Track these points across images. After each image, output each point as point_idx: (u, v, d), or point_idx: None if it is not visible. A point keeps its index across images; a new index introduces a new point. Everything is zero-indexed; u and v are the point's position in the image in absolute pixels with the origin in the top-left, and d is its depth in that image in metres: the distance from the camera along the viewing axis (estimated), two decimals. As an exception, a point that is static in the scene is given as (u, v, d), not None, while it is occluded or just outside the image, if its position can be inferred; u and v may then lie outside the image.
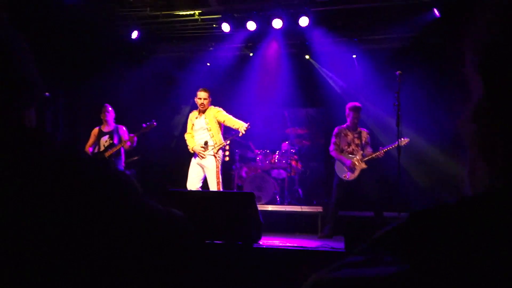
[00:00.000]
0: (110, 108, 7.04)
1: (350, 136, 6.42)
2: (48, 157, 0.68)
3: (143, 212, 0.74)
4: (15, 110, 0.75)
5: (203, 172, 6.20)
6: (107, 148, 6.84)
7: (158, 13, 7.96)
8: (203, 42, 8.79)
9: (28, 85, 0.78)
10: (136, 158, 7.73)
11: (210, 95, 6.33)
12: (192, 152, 6.28)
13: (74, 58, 8.07)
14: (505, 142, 0.52)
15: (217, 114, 6.25)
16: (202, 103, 6.22)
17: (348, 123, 6.44)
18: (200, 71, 8.92)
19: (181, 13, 7.97)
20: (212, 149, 6.10)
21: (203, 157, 6.11)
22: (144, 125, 6.78)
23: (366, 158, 6.22)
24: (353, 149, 6.38)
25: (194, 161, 6.26)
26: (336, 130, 6.51)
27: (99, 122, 7.12)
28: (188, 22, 8.30)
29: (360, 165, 6.23)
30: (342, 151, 6.40)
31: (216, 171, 6.07)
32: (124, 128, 7.03)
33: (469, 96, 0.57)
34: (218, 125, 6.28)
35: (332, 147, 6.45)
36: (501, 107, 0.52)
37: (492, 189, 0.53)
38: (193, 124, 6.35)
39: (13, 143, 0.67)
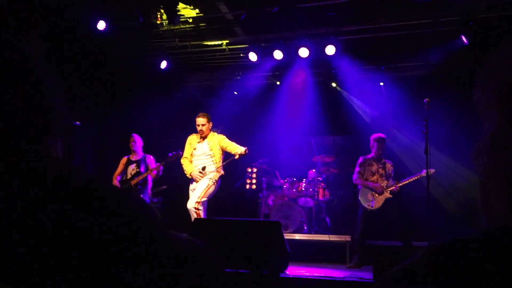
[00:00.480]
0: (137, 138, 7.16)
1: (374, 166, 6.43)
2: (71, 187, 0.70)
3: (162, 242, 0.74)
4: (41, 139, 0.77)
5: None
6: (133, 176, 6.94)
7: (187, 43, 8.15)
8: (230, 71, 8.92)
9: (55, 115, 0.80)
10: (163, 187, 7.79)
11: (210, 120, 6.30)
12: (190, 177, 6.20)
13: (105, 87, 8.30)
14: None
15: (222, 141, 6.20)
16: (201, 130, 6.18)
17: (372, 154, 6.45)
18: (228, 100, 9.03)
19: (209, 43, 8.15)
20: (213, 175, 6.04)
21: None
22: (170, 154, 6.85)
23: (389, 189, 6.26)
24: (377, 179, 6.37)
25: (191, 187, 6.20)
26: (360, 159, 6.51)
27: (129, 151, 7.25)
28: (216, 52, 8.48)
29: (385, 194, 6.24)
30: (367, 180, 6.39)
31: (207, 185, 5.95)
32: (151, 157, 7.13)
33: (482, 127, 0.56)
34: (221, 152, 6.21)
35: (355, 176, 6.46)
36: None
37: (508, 221, 0.52)
38: (194, 149, 6.27)
39: (38, 172, 0.69)
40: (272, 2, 6.66)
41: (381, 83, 8.26)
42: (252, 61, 8.06)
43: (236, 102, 9.03)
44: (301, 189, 7.98)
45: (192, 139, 6.36)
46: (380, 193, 6.23)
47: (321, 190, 7.90)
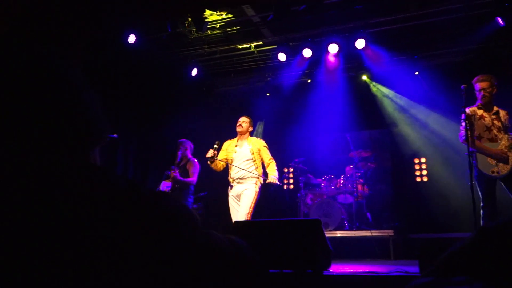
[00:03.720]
0: (180, 144, 7.23)
1: (487, 118, 5.08)
2: (110, 194, 0.71)
3: (204, 242, 0.75)
4: (81, 150, 0.80)
5: (238, 202, 5.96)
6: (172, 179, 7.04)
7: (216, 49, 8.22)
8: (261, 73, 8.94)
9: (93, 127, 0.83)
10: (204, 194, 7.83)
11: (252, 124, 6.29)
12: (217, 169, 6.11)
13: (140, 100, 8.47)
14: None
15: (262, 148, 6.11)
16: (241, 125, 6.16)
17: (479, 100, 5.14)
18: (261, 102, 9.05)
19: (237, 47, 8.20)
20: (256, 182, 5.91)
21: (211, 157, 5.90)
22: (168, 172, 6.96)
23: None
24: (495, 135, 5.03)
25: (230, 193, 6.05)
26: (466, 111, 5.07)
27: (170, 161, 7.36)
28: (245, 55, 8.52)
29: (511, 154, 4.88)
30: (479, 138, 5.07)
31: (254, 197, 5.83)
32: (195, 161, 7.07)
33: None
34: (260, 157, 6.10)
35: (463, 134, 4.96)
36: None
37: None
38: (234, 152, 6.11)
39: (77, 181, 0.71)
40: (299, 1, 6.64)
41: (416, 73, 8.09)
42: (282, 61, 8.06)
43: (269, 104, 9.03)
44: (340, 186, 7.90)
45: (229, 145, 6.25)
46: (504, 161, 4.84)
47: (359, 186, 7.80)
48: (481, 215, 4.91)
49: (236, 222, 4.89)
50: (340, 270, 4.53)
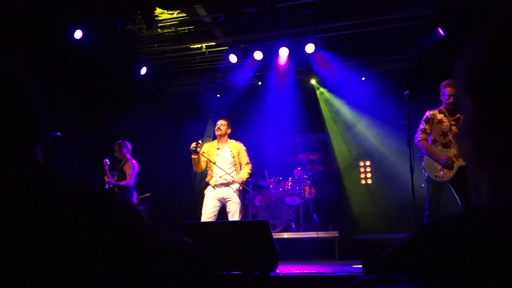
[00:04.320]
0: (117, 146, 7.06)
1: (446, 123, 5.11)
2: (53, 192, 0.70)
3: (152, 241, 0.74)
4: (23, 148, 0.77)
5: (219, 205, 6.02)
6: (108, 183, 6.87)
7: (166, 48, 8.11)
8: (211, 74, 8.91)
9: (35, 124, 0.80)
10: (147, 194, 7.68)
11: (230, 127, 6.30)
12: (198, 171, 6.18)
13: (86, 97, 8.22)
14: (500, 155, 0.53)
15: (243, 152, 6.19)
16: (219, 128, 6.17)
17: (443, 105, 5.15)
18: (211, 103, 9.01)
19: (188, 47, 8.13)
20: (237, 187, 6.01)
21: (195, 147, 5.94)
22: (132, 161, 6.85)
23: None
24: (449, 141, 5.08)
25: (211, 194, 6.05)
26: (427, 114, 5.18)
27: (114, 159, 7.18)
28: (196, 55, 8.46)
29: (458, 162, 4.92)
30: (434, 142, 5.14)
31: (241, 205, 6.01)
32: (132, 162, 6.95)
33: (463, 114, 0.58)
34: (239, 162, 6.16)
35: (418, 136, 5.13)
36: (492, 123, 0.53)
37: (493, 202, 0.54)
38: (216, 155, 6.11)
39: (19, 179, 0.69)
40: (251, 3, 6.68)
41: (363, 78, 8.34)
42: (233, 63, 8.07)
43: (220, 105, 9.01)
44: (288, 187, 8.01)
45: (210, 147, 6.21)
46: (449, 167, 4.95)
47: (307, 188, 7.94)
48: (425, 215, 5.09)
49: (185, 224, 4.85)
50: (286, 271, 4.58)
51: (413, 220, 4.99)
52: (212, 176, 6.06)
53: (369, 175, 8.53)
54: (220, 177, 5.99)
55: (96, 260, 0.67)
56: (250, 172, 6.17)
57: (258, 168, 8.62)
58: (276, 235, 6.61)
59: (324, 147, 9.03)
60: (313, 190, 8.08)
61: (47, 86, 6.89)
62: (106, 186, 6.97)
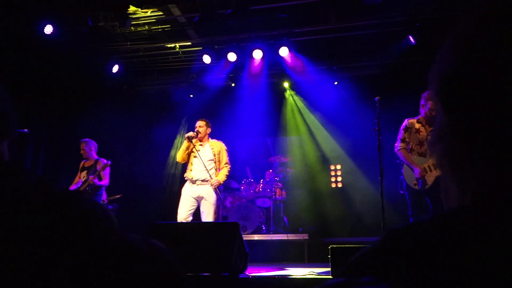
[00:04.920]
0: (86, 144, 6.94)
1: (423, 132, 5.15)
2: (18, 190, 0.68)
3: (120, 244, 0.73)
4: None
5: (196, 204, 6.03)
6: (83, 183, 6.75)
7: (139, 46, 8.02)
8: (185, 74, 8.86)
9: (1, 120, 0.78)
10: (118, 196, 7.56)
11: (209, 126, 6.31)
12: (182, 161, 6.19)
13: (55, 94, 8.04)
14: (469, 160, 0.54)
15: (223, 152, 6.27)
16: (198, 131, 6.17)
17: (422, 114, 5.20)
18: (184, 103, 8.95)
19: (162, 46, 8.05)
20: (214, 189, 6.03)
21: (191, 137, 6.01)
22: (98, 168, 6.75)
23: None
24: (425, 150, 5.14)
25: (188, 192, 6.05)
26: (405, 122, 5.24)
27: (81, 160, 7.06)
28: (170, 55, 8.39)
29: (434, 172, 4.97)
30: (411, 151, 5.18)
31: (215, 206, 6.03)
32: (104, 162, 6.85)
33: (435, 120, 0.60)
34: (219, 161, 6.24)
35: (398, 145, 5.20)
36: (460, 129, 0.54)
37: (461, 206, 0.55)
38: (198, 150, 6.11)
39: None
40: (225, 5, 6.67)
41: (336, 83, 8.44)
42: (206, 64, 8.04)
43: (193, 105, 8.97)
44: (259, 189, 8.02)
45: (194, 142, 6.22)
46: (422, 177, 4.99)
47: (278, 190, 7.97)
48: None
49: (154, 224, 4.79)
50: (256, 273, 4.59)
51: (382, 224, 5.06)
52: (191, 170, 6.07)
53: (339, 178, 8.63)
54: (198, 173, 6.02)
55: (62, 261, 0.65)
56: (227, 174, 6.21)
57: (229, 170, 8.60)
58: (247, 237, 6.61)
59: (296, 150, 9.09)
60: (284, 193, 8.12)
61: (15, 82, 6.71)
62: (75, 186, 6.84)
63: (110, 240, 0.72)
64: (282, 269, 5.43)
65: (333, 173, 8.68)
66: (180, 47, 8.17)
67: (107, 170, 6.81)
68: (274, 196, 7.85)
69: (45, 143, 8.02)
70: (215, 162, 6.14)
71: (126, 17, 6.92)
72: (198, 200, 6.03)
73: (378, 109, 5.36)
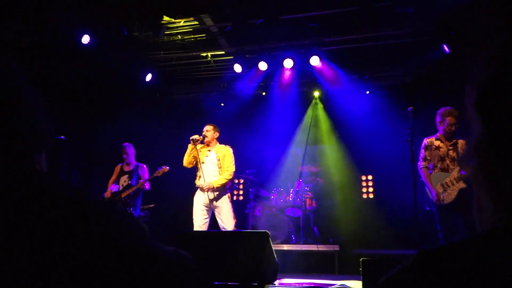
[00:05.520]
0: (128, 148, 7.10)
1: (443, 148, 5.28)
2: (54, 200, 0.69)
3: (148, 253, 0.74)
4: (26, 155, 0.77)
5: (209, 212, 6.01)
6: (124, 189, 6.88)
7: (172, 55, 8.15)
8: (216, 83, 8.94)
9: (38, 131, 0.80)
10: (152, 205, 7.63)
11: (217, 130, 6.26)
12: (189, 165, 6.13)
13: (91, 102, 8.24)
14: (506, 177, 0.52)
15: (227, 156, 6.14)
16: (205, 135, 6.13)
17: (440, 131, 5.33)
18: (215, 111, 9.02)
19: (194, 55, 8.16)
20: (203, 186, 5.92)
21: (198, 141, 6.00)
22: (158, 168, 6.82)
23: (465, 176, 4.93)
24: (447, 165, 5.24)
25: (199, 201, 6.02)
26: (424, 142, 5.40)
27: (120, 160, 7.21)
28: (201, 63, 8.50)
29: (457, 185, 5.06)
30: (433, 167, 5.33)
31: (231, 211, 6.00)
32: (144, 167, 7.00)
33: (471, 133, 0.58)
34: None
35: (420, 164, 5.35)
36: (499, 144, 0.52)
37: (497, 226, 0.53)
38: (205, 155, 6.14)
39: (23, 187, 0.69)
40: (256, 15, 6.71)
41: (367, 92, 8.35)
42: (238, 72, 8.10)
43: (223, 114, 9.03)
44: (289, 199, 7.98)
45: (202, 147, 6.23)
46: (440, 200, 5.09)
47: (308, 200, 7.91)
48: (439, 237, 5.11)
49: (185, 232, 4.83)
50: (285, 283, 4.55)
51: (414, 237, 4.96)
52: (200, 177, 6.06)
53: (371, 189, 8.50)
54: (207, 179, 5.99)
55: (95, 268, 0.66)
56: (228, 178, 6.04)
57: (259, 178, 8.62)
58: (276, 247, 6.58)
59: (326, 159, 9.02)
60: (314, 203, 8.05)
61: (52, 90, 6.91)
62: (114, 187, 6.96)
63: (140, 249, 0.73)
64: (312, 280, 5.37)
65: (364, 184, 8.56)
66: (212, 56, 8.26)
67: (147, 173, 6.95)
68: (304, 206, 7.79)
69: (81, 149, 8.22)
70: (219, 168, 6.07)
71: (159, 27, 7.05)
72: (211, 208, 6.01)
73: (411, 120, 5.27)
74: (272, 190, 8.22)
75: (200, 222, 5.94)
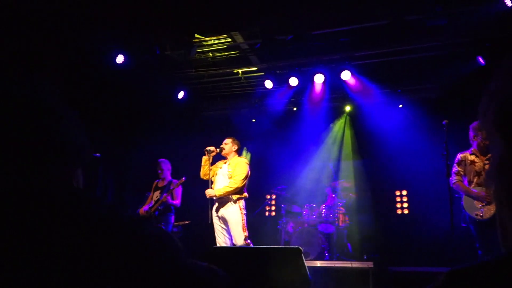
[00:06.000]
0: (163, 164, 7.21)
1: (479, 163, 5.09)
2: (89, 217, 0.71)
3: (183, 270, 0.75)
4: (63, 171, 0.79)
5: (224, 225, 5.90)
6: (155, 202, 6.96)
7: (203, 73, 8.27)
8: (247, 99, 9.00)
9: (76, 148, 0.83)
10: (187, 222, 7.65)
11: (236, 143, 6.18)
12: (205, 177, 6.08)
13: (124, 120, 8.43)
14: None
15: (239, 166, 5.96)
16: (223, 148, 6.12)
17: (474, 146, 5.17)
18: (246, 128, 9.07)
19: (225, 71, 8.26)
20: (240, 204, 5.85)
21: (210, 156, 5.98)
22: (175, 181, 6.88)
23: None
24: (484, 180, 4.99)
25: (215, 218, 5.95)
26: (458, 157, 5.23)
27: (153, 180, 7.31)
28: (232, 80, 8.58)
29: None
30: (469, 183, 5.12)
31: (242, 224, 5.75)
32: (175, 182, 7.00)
33: (490, 152, 0.56)
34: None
35: (453, 178, 5.15)
36: None
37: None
38: (220, 167, 6.12)
39: (61, 203, 0.71)
40: (286, 31, 6.75)
41: (400, 105, 8.22)
42: (268, 89, 8.14)
43: (255, 130, 9.07)
44: (321, 215, 7.89)
45: (219, 162, 6.25)
46: (489, 203, 4.87)
47: (341, 216, 7.80)
48: (478, 255, 4.92)
49: (215, 248, 4.84)
50: (318, 301, 4.48)
51: (451, 253, 4.81)
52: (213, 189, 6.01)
53: (405, 205, 8.32)
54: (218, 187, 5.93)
55: (129, 284, 0.67)
56: (231, 187, 5.80)
57: (291, 194, 8.58)
58: (309, 263, 6.50)
59: (359, 175, 8.90)
60: (347, 218, 7.93)
61: (87, 109, 7.11)
62: (147, 206, 7.02)
63: (174, 266, 0.74)
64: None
65: (398, 199, 8.39)
66: (243, 72, 8.34)
67: (180, 190, 6.99)
68: (337, 222, 7.69)
69: (116, 166, 8.39)
70: (229, 178, 5.92)
71: (191, 46, 7.18)
72: (223, 220, 5.89)
73: (446, 133, 5.16)
74: (304, 206, 8.15)
75: (219, 239, 5.88)
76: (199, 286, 0.75)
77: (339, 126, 9.00)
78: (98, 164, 7.72)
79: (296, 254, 4.33)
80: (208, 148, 6.07)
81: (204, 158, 6.11)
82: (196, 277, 0.76)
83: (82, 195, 0.74)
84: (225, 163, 6.14)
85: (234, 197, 5.84)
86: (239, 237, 5.70)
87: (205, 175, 6.11)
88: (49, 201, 0.70)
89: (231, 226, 5.79)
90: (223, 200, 5.87)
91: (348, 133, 8.85)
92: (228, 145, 6.13)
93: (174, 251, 0.75)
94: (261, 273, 4.22)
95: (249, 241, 5.72)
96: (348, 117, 8.94)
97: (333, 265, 7.01)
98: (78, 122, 0.86)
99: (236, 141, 6.20)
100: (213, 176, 6.13)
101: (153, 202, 7.05)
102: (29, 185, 0.71)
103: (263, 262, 4.34)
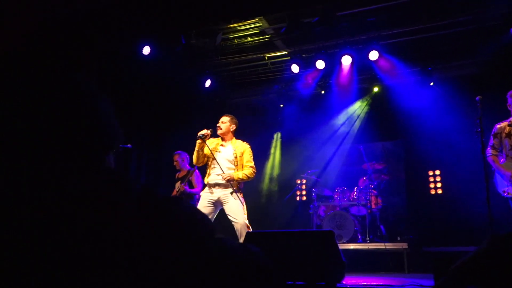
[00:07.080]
0: (179, 156, 7.30)
1: None
2: (127, 195, 0.73)
3: (219, 247, 0.76)
4: (101, 154, 0.83)
5: (214, 209, 5.35)
6: (180, 195, 7.06)
7: (229, 60, 8.28)
8: (274, 84, 8.97)
9: (107, 134, 0.86)
10: None
11: (234, 123, 5.59)
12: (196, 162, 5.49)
13: (154, 110, 8.53)
14: None
15: (246, 153, 5.51)
16: (219, 127, 5.51)
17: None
18: (274, 113, 9.06)
19: (251, 58, 8.24)
20: (224, 176, 5.29)
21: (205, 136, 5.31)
22: (191, 169, 6.97)
23: None
24: None
25: (205, 197, 5.38)
26: (495, 128, 5.06)
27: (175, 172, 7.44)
28: (259, 66, 8.56)
29: None
30: (506, 157, 4.94)
31: (243, 205, 5.30)
32: (196, 171, 6.95)
33: None
34: (242, 164, 5.47)
35: (489, 151, 4.99)
36: None
37: None
38: (218, 151, 5.47)
39: (102, 182, 0.73)
40: (312, 13, 6.67)
41: (431, 84, 8.03)
42: (295, 73, 8.08)
43: (283, 115, 9.05)
44: (353, 197, 7.85)
45: (212, 143, 5.55)
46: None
47: (373, 198, 7.73)
48: None
49: (249, 233, 4.88)
50: (353, 283, 4.49)
51: (487, 233, 4.71)
52: (210, 174, 5.45)
53: (439, 184, 8.17)
54: (217, 175, 5.34)
55: (166, 262, 0.69)
56: (249, 175, 5.39)
57: (322, 178, 8.55)
58: (342, 246, 6.49)
59: (390, 156, 8.79)
60: (379, 200, 7.86)
61: (118, 100, 7.23)
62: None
63: (210, 243, 0.75)
64: (381, 279, 5.25)
65: (431, 179, 8.24)
66: (269, 58, 8.30)
67: (199, 178, 7.04)
68: (369, 204, 7.63)
69: (146, 157, 8.53)
70: (236, 165, 5.39)
71: (216, 33, 7.19)
72: (218, 204, 5.34)
73: (480, 110, 5.02)
74: (335, 189, 8.12)
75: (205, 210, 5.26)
76: (236, 263, 0.76)
77: (368, 108, 8.86)
78: (129, 155, 7.89)
79: (328, 237, 4.33)
80: (200, 132, 5.36)
81: (198, 143, 5.41)
82: (233, 254, 0.77)
83: (121, 174, 0.77)
84: (222, 145, 5.54)
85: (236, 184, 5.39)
86: (241, 218, 5.22)
87: (199, 161, 5.50)
88: (92, 181, 0.72)
89: (232, 207, 5.25)
90: (225, 185, 5.34)
91: (378, 114, 8.71)
92: (226, 124, 5.51)
93: (210, 228, 0.77)
94: (294, 256, 4.25)
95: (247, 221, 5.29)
96: (377, 98, 8.79)
97: (367, 248, 6.99)
98: (111, 110, 0.89)
99: (234, 120, 5.59)
100: (209, 160, 5.52)
101: (175, 193, 7.18)
102: (69, 166, 0.74)
103: (296, 246, 4.36)
